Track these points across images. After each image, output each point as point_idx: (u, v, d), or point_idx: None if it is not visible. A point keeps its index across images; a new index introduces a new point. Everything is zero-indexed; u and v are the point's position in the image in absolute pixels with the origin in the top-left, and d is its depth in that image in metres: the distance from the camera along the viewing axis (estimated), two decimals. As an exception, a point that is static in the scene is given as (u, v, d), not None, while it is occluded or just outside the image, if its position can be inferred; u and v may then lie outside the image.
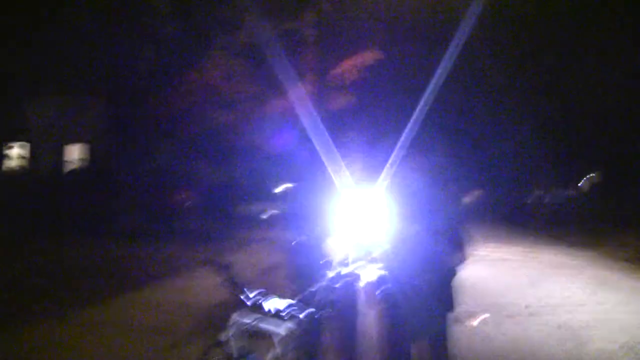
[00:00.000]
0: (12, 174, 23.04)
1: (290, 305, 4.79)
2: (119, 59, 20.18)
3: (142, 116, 21.11)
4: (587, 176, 38.47)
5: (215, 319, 8.63)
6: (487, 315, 10.86)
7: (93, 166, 21.50)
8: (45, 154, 22.72)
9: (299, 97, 21.85)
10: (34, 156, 22.37)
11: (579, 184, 40.26)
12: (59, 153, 23.16)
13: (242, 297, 4.27)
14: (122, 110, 20.32)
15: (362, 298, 5.12)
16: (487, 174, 48.55)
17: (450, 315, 4.73)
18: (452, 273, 4.75)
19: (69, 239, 17.13)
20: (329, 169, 5.58)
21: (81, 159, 24.13)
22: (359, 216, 5.06)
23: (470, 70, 38.32)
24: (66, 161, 23.58)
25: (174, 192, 26.67)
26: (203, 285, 11.50)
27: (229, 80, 21.88)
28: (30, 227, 18.17)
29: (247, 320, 4.34)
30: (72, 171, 23.81)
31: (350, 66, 22.09)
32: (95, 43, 20.33)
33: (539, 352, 8.64)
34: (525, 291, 13.73)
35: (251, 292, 4.33)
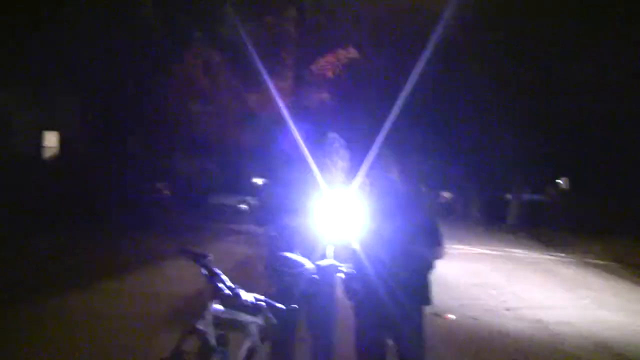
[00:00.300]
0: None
1: (266, 297, 4.90)
2: (97, 49, 20.09)
3: (120, 107, 21.04)
4: (562, 179, 38.83)
5: (191, 308, 8.70)
6: (463, 309, 11.07)
7: (70, 154, 21.37)
8: (23, 140, 22.56)
9: (276, 92, 21.97)
10: (11, 142, 22.21)
11: (554, 186, 40.61)
12: (38, 139, 23.01)
13: (218, 285, 4.33)
14: (100, 101, 20.24)
15: (339, 291, 5.22)
16: (464, 174, 48.75)
17: (427, 309, 4.84)
18: (429, 268, 4.82)
19: (42, 227, 17.04)
20: (307, 164, 5.67)
21: (59, 147, 24.00)
22: (337, 211, 5.16)
23: (449, 72, 38.49)
24: (45, 147, 23.45)
25: (150, 183, 26.64)
26: (179, 275, 11.57)
27: (206, 72, 21.88)
28: (3, 215, 18.07)
29: (223, 310, 4.41)
30: (51, 158, 23.69)
31: (328, 62, 22.17)
32: (74, 32, 20.22)
33: (515, 345, 8.83)
34: (501, 287, 13.98)
35: (228, 282, 4.39)
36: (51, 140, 24.13)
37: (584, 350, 8.53)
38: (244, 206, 36.99)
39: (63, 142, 24.50)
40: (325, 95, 22.59)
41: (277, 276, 5.18)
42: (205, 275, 4.37)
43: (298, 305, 5.40)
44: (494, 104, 37.13)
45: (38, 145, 23.29)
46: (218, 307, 4.33)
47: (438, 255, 4.86)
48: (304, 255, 5.32)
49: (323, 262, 5.14)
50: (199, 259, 4.40)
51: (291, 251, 5.45)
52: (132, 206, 23.53)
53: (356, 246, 4.77)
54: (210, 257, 4.50)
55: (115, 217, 19.98)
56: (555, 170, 40.62)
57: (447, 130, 43.32)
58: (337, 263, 4.98)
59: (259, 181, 43.49)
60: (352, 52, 22.32)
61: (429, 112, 44.71)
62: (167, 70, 21.10)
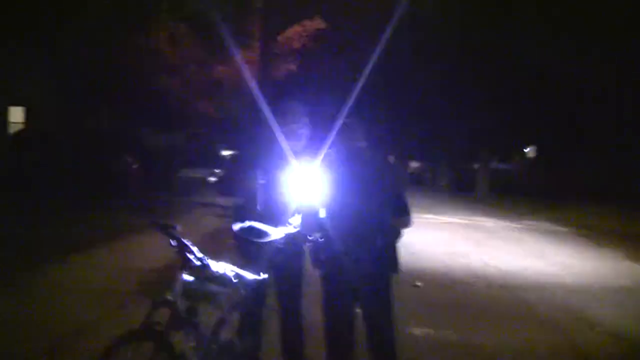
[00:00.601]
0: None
1: (236, 267, 4.93)
2: (62, 21, 19.79)
3: (85, 80, 20.77)
4: (528, 147, 39.21)
5: (161, 280, 8.71)
6: (432, 277, 11.21)
7: (36, 129, 21.11)
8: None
9: (243, 63, 21.84)
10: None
11: (520, 155, 40.99)
12: (3, 114, 22.70)
13: (187, 256, 4.34)
14: (66, 73, 19.96)
15: (307, 260, 5.27)
16: (432, 144, 49.00)
17: (396, 277, 4.89)
18: (396, 237, 4.86)
19: (7, 203, 16.86)
20: (274, 136, 5.68)
21: (25, 122, 23.72)
22: (303, 180, 5.18)
23: (417, 43, 38.55)
24: (10, 123, 23.16)
25: (116, 156, 26.40)
26: (148, 248, 11.53)
27: (172, 44, 21.68)
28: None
29: (193, 281, 4.44)
30: (17, 133, 23.41)
31: (295, 33, 22.08)
32: (37, 4, 19.92)
33: (483, 310, 9.01)
34: (469, 255, 14.17)
35: (197, 252, 4.41)
36: (17, 116, 23.82)
37: (553, 318, 8.69)
38: (212, 178, 36.78)
39: (29, 117, 24.20)
40: (291, 66, 22.52)
41: (244, 246, 5.20)
42: (174, 246, 4.38)
43: (267, 275, 5.44)
44: (461, 75, 37.31)
45: (3, 121, 23.01)
46: (188, 278, 4.35)
47: (405, 224, 4.90)
48: (271, 225, 5.35)
49: (290, 232, 5.18)
50: (167, 230, 4.41)
51: (259, 221, 5.48)
52: (101, 180, 23.33)
53: (323, 215, 4.80)
54: (179, 228, 4.51)
55: (83, 192, 19.79)
56: (522, 139, 40.98)
57: (416, 100, 43.45)
58: (304, 232, 5.02)
59: (226, 153, 43.23)
60: (319, 23, 22.22)
61: (398, 83, 44.82)
62: (132, 42, 20.85)
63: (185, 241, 4.42)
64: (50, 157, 20.30)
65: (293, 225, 5.01)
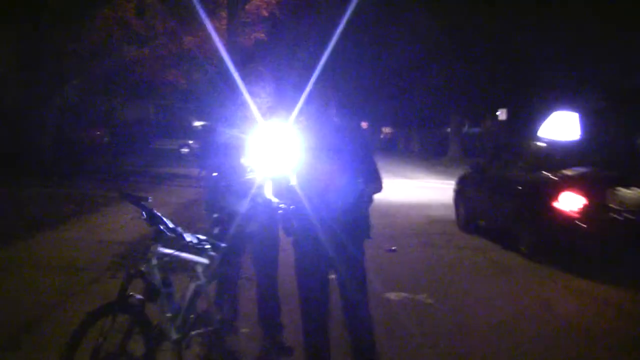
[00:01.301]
0: None
1: (208, 237, 4.93)
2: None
3: (53, 52, 20.45)
4: (500, 110, 39.40)
5: (135, 252, 8.70)
6: (407, 241, 11.30)
7: (2, 103, 20.79)
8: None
9: (212, 33, 21.63)
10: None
11: (492, 118, 41.24)
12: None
13: (160, 228, 4.33)
14: (32, 46, 19.62)
15: (278, 227, 5.27)
16: (404, 109, 49.12)
17: (368, 242, 4.90)
18: (368, 201, 4.86)
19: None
20: (244, 104, 5.66)
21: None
22: (274, 150, 5.18)
23: (387, 9, 38.57)
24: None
25: (87, 129, 26.21)
26: (121, 221, 11.51)
27: (140, 14, 21.39)
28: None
29: (167, 252, 4.43)
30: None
31: (263, 1, 21.88)
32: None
33: (456, 271, 9.15)
34: (442, 218, 14.31)
35: (170, 224, 4.40)
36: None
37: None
38: (184, 150, 36.72)
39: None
40: (260, 35, 22.34)
41: (217, 216, 5.20)
42: (146, 218, 4.36)
43: (240, 244, 5.46)
44: (431, 40, 37.56)
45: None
46: (161, 249, 4.34)
47: (376, 189, 4.91)
48: (242, 194, 5.35)
49: (261, 199, 5.18)
50: (139, 202, 4.39)
51: (230, 190, 5.48)
52: (71, 154, 23.15)
53: (294, 182, 4.79)
54: (150, 199, 4.49)
55: (53, 166, 19.61)
56: (493, 102, 41.18)
57: (387, 66, 43.51)
58: (275, 199, 5.02)
59: (198, 124, 43.05)
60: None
61: (369, 50, 44.81)
62: (101, 12, 20.52)
63: (156, 213, 4.40)
64: (18, 133, 20.03)
65: (264, 193, 5.02)
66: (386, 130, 60.32)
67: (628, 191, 8.99)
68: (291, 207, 4.79)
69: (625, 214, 8.87)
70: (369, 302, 4.87)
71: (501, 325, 6.60)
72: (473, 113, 45.78)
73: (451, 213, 14.19)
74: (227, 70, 17.73)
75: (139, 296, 4.13)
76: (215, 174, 5.60)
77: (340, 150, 4.73)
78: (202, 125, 41.56)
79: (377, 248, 9.80)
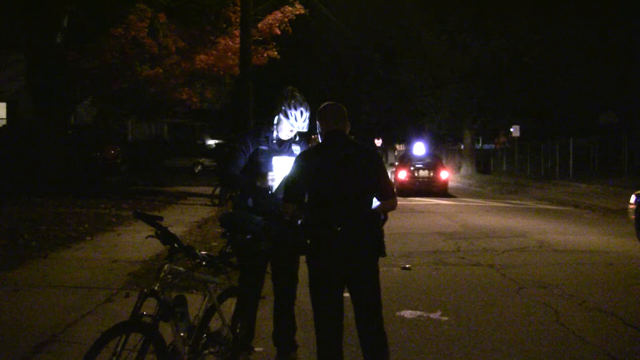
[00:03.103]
0: None
1: (223, 256, 4.93)
2: (41, 14, 19.59)
3: (67, 72, 20.59)
4: (513, 127, 39.47)
5: (149, 272, 8.70)
6: (422, 259, 11.25)
7: (18, 124, 20.94)
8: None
9: (225, 52, 21.75)
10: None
11: (505, 135, 41.29)
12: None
13: (174, 246, 4.33)
14: (46, 67, 19.76)
15: (291, 245, 5.24)
16: (417, 127, 49.33)
17: (382, 260, 4.87)
18: (382, 219, 4.84)
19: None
20: (257, 124, 5.67)
21: (7, 118, 23.56)
22: (286, 169, 5.17)
23: (399, 27, 38.91)
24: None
25: (101, 149, 26.35)
26: (135, 240, 11.53)
27: (153, 34, 21.53)
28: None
29: (180, 271, 4.43)
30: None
31: (275, 19, 21.98)
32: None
33: (470, 289, 9.07)
34: (455, 234, 14.27)
35: (183, 243, 4.40)
36: (-1, 111, 23.68)
37: (536, 294, 8.74)
38: (198, 168, 36.86)
39: (10, 113, 24.01)
40: (273, 53, 22.43)
41: (233, 235, 5.20)
42: (160, 237, 4.36)
43: (258, 263, 5.46)
44: (445, 60, 37.93)
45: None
46: (175, 268, 4.34)
47: (390, 207, 4.89)
48: (260, 213, 5.35)
49: (278, 218, 5.17)
50: (153, 221, 4.39)
51: (246, 208, 5.48)
52: (85, 173, 23.25)
53: (308, 199, 4.78)
54: (163, 218, 4.50)
55: (67, 185, 19.70)
56: (507, 119, 41.30)
57: (398, 85, 43.76)
58: (291, 218, 5.01)
59: (212, 142, 43.23)
60: (299, 8, 22.11)
61: (380, 68, 45.07)
62: (112, 33, 20.68)
63: (170, 231, 4.40)
64: (33, 154, 20.15)
65: (281, 211, 5.00)
66: (400, 148, 60.47)
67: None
68: (306, 224, 4.77)
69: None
70: (383, 320, 4.84)
71: (517, 342, 6.55)
72: (487, 130, 45.88)
73: (463, 230, 14.13)
74: (240, 88, 17.82)
75: (152, 315, 4.12)
76: (235, 193, 5.60)
77: (355, 168, 4.72)
78: (216, 143, 41.74)
79: (390, 266, 9.75)
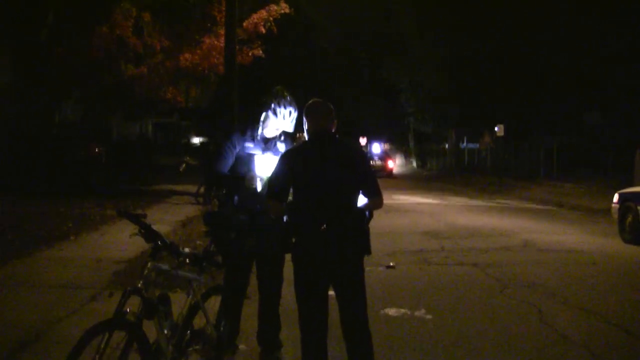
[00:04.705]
0: None
1: (207, 254, 4.92)
2: (28, 12, 19.46)
3: (51, 70, 20.48)
4: (497, 126, 39.64)
5: (133, 270, 8.67)
6: (406, 257, 11.27)
7: (2, 122, 20.75)
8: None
9: (210, 50, 21.69)
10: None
11: (489, 135, 41.41)
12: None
13: (158, 244, 4.32)
14: (31, 60, 19.64)
15: (276, 243, 5.22)
16: (403, 127, 49.63)
17: (366, 259, 4.87)
18: (367, 217, 4.84)
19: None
20: (241, 122, 5.67)
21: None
22: (271, 167, 5.16)
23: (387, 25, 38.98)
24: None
25: (85, 147, 26.19)
26: (119, 239, 11.47)
27: (137, 32, 21.46)
28: None
29: (164, 269, 4.42)
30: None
31: (261, 18, 21.92)
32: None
33: (454, 287, 9.11)
34: (440, 234, 14.30)
35: (167, 240, 4.39)
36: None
37: (523, 294, 8.77)
38: (182, 166, 36.70)
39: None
40: (258, 52, 22.38)
41: (217, 233, 5.19)
42: (144, 235, 4.35)
43: (243, 261, 5.45)
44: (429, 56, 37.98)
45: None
46: (159, 266, 4.33)
47: (376, 206, 4.89)
48: (244, 211, 5.35)
49: (263, 216, 5.17)
50: (136, 219, 4.37)
51: (232, 207, 5.48)
52: (69, 171, 23.09)
53: (293, 198, 4.78)
54: (146, 216, 4.49)
55: (51, 184, 19.55)
56: (491, 118, 41.48)
57: (387, 86, 43.94)
58: (275, 216, 5.00)
59: (197, 140, 43.13)
60: (284, 7, 22.05)
61: (367, 69, 45.31)
62: (96, 31, 20.59)
63: (154, 229, 4.39)
64: (14, 149, 20.00)
65: (265, 209, 4.99)
66: (385, 146, 60.59)
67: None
68: (290, 222, 4.76)
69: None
70: (368, 317, 4.84)
71: (500, 340, 6.58)
72: (471, 129, 46.06)
73: (448, 229, 14.17)
74: (225, 87, 17.76)
75: (136, 313, 4.10)
76: (220, 191, 5.59)
77: (340, 166, 4.71)
78: (201, 142, 41.64)
79: (375, 264, 9.78)
